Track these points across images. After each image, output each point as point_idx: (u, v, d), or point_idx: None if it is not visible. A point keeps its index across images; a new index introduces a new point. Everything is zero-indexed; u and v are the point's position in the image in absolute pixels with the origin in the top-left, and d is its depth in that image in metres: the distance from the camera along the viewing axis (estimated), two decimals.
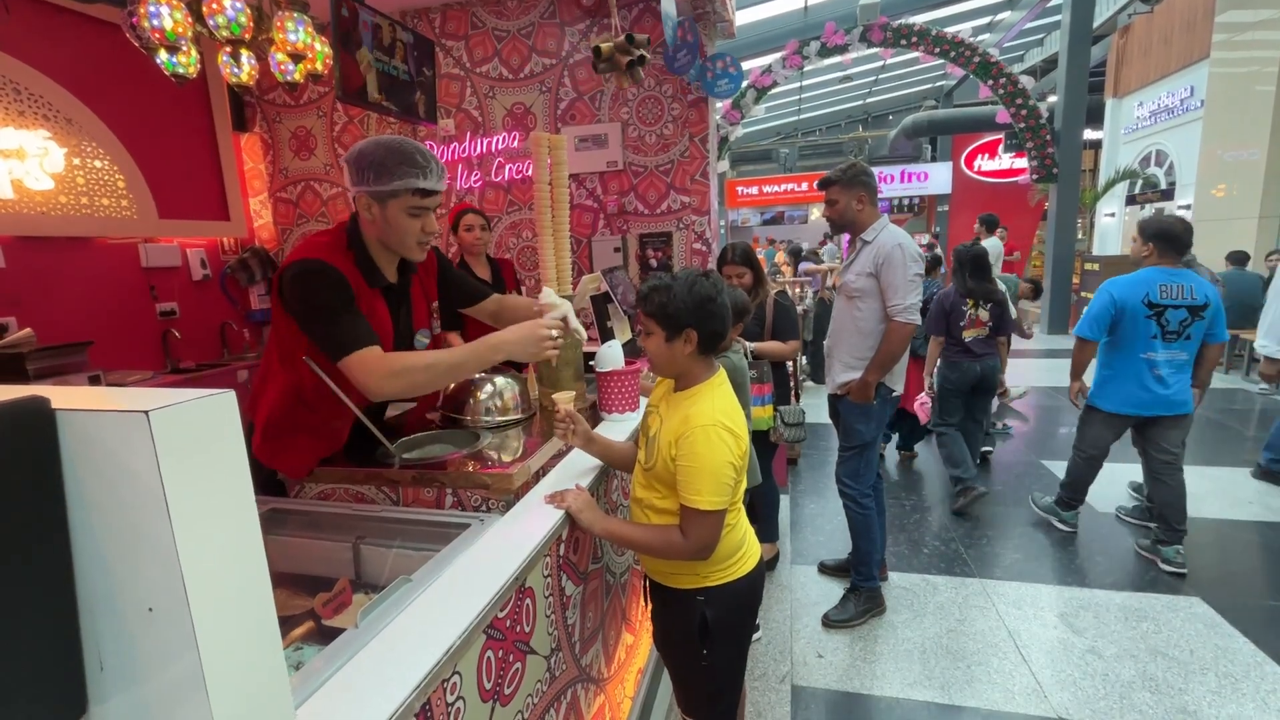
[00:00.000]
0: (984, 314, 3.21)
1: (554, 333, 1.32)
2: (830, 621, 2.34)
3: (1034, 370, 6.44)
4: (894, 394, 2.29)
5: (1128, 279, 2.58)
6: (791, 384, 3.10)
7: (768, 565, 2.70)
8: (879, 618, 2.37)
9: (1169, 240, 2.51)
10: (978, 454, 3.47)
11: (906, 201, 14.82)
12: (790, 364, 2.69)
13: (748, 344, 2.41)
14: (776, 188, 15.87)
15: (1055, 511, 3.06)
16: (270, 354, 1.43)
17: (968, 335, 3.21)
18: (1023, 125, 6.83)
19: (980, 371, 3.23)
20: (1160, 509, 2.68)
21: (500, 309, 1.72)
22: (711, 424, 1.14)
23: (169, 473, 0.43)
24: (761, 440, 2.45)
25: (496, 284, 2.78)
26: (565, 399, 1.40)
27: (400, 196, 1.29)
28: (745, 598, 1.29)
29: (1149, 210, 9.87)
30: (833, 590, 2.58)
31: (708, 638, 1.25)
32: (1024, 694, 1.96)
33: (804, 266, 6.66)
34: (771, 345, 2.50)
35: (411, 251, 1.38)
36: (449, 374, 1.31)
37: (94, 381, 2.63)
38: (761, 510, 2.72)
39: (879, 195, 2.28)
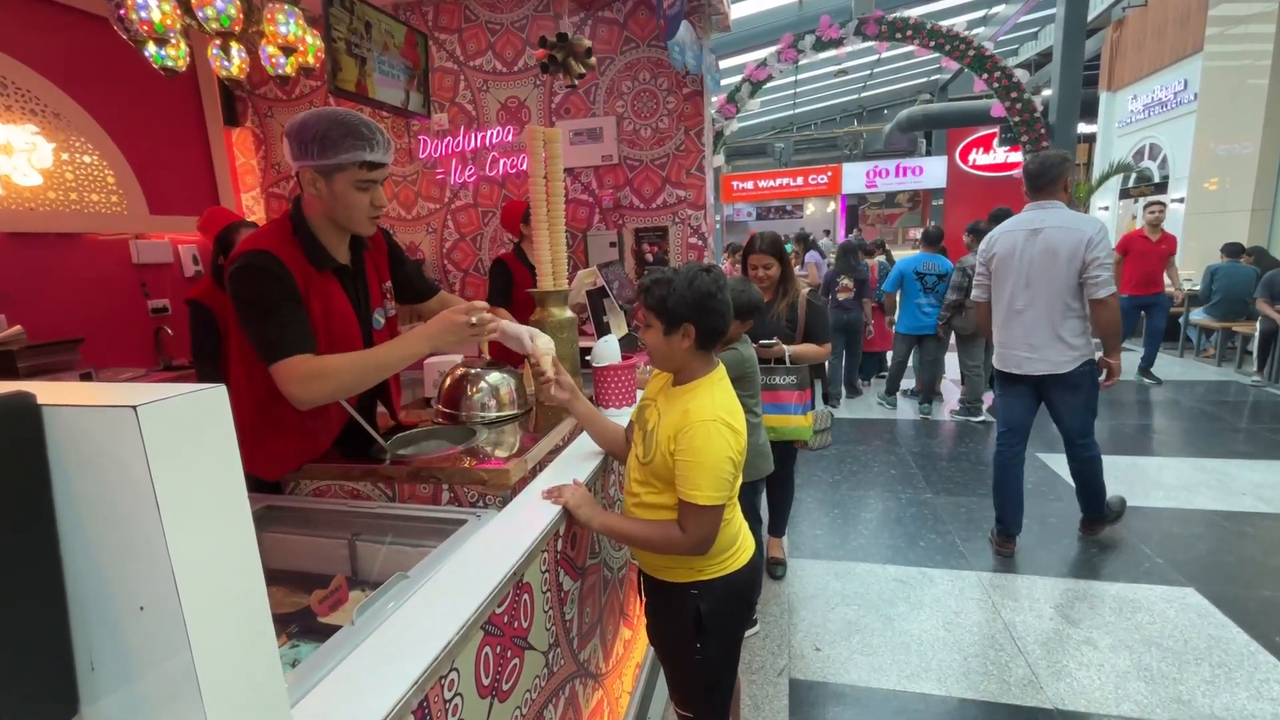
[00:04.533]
0: (850, 283, 5.02)
1: (473, 319, 1.27)
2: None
3: None
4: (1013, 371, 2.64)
5: (908, 259, 4.81)
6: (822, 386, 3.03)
7: (782, 566, 2.67)
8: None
9: (928, 240, 4.86)
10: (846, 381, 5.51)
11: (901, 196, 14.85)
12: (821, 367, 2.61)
13: (786, 348, 2.31)
14: (772, 182, 15.87)
15: (885, 399, 5.14)
16: (232, 353, 1.40)
17: (841, 296, 5.06)
18: (1017, 119, 6.84)
19: (847, 320, 5.09)
20: (926, 386, 4.96)
21: (443, 308, 1.65)
22: (712, 419, 1.13)
23: (158, 469, 0.42)
24: (784, 449, 2.37)
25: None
26: (547, 349, 1.41)
27: (347, 170, 1.26)
28: (739, 591, 1.29)
29: (1141, 203, 9.91)
30: (830, 583, 2.58)
31: (701, 631, 1.25)
32: (1020, 685, 1.97)
33: (811, 258, 6.60)
34: (808, 348, 2.38)
35: (361, 226, 1.35)
36: (377, 371, 1.27)
37: (85, 379, 2.60)
38: (778, 506, 2.68)
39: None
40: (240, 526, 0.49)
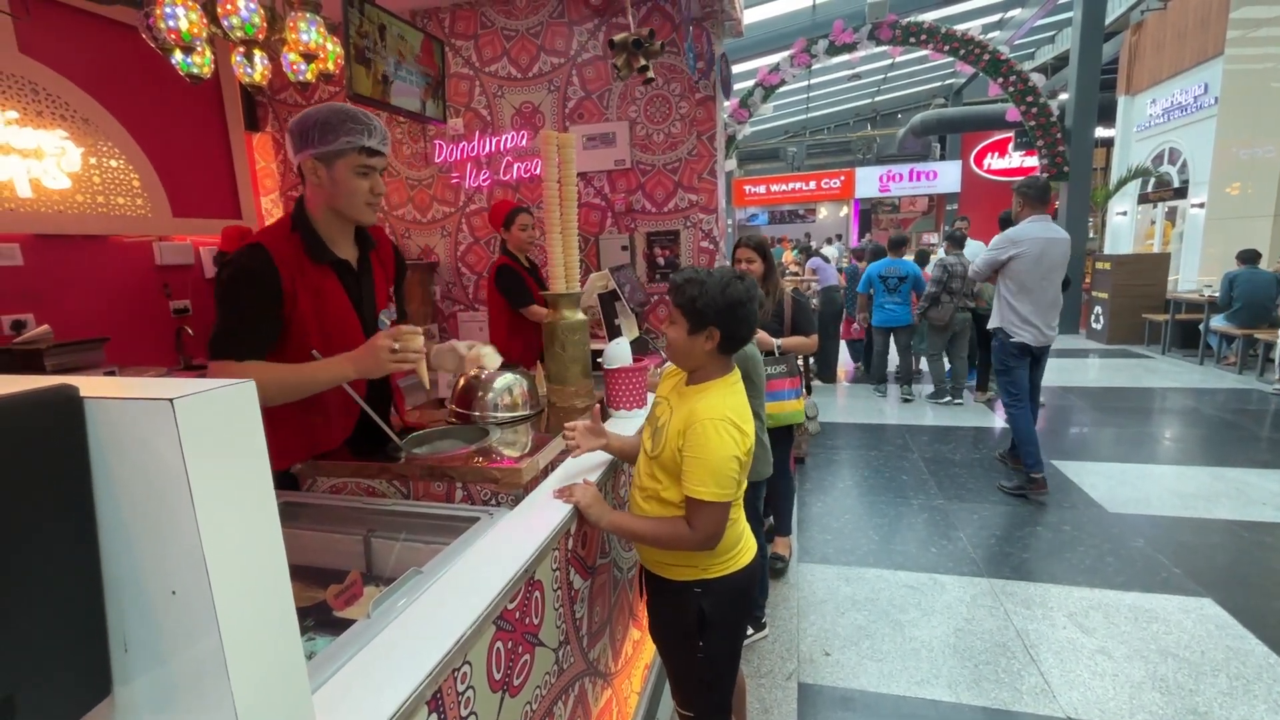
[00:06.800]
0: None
1: (395, 345, 1.28)
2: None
3: (1047, 371, 6.35)
4: (1011, 339, 3.38)
5: (875, 264, 5.48)
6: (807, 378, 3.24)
7: (782, 561, 2.70)
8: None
9: (893, 246, 5.49)
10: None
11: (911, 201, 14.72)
12: (800, 359, 2.73)
13: (775, 340, 2.47)
14: (784, 186, 15.84)
15: (877, 389, 5.78)
16: None
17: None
18: (1033, 123, 6.78)
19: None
20: (905, 373, 5.58)
21: None
22: (719, 418, 1.15)
23: (192, 459, 0.44)
24: (778, 435, 2.45)
25: (538, 284, 2.81)
26: (487, 358, 1.56)
27: (347, 155, 1.32)
28: (742, 590, 1.30)
29: (1161, 208, 9.77)
30: (840, 588, 2.58)
31: (705, 629, 1.27)
32: (1032, 694, 1.95)
33: (813, 264, 6.63)
34: (796, 340, 2.54)
35: (362, 213, 1.39)
36: (300, 388, 1.28)
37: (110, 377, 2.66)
38: (778, 505, 2.73)
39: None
40: (267, 517, 0.51)
